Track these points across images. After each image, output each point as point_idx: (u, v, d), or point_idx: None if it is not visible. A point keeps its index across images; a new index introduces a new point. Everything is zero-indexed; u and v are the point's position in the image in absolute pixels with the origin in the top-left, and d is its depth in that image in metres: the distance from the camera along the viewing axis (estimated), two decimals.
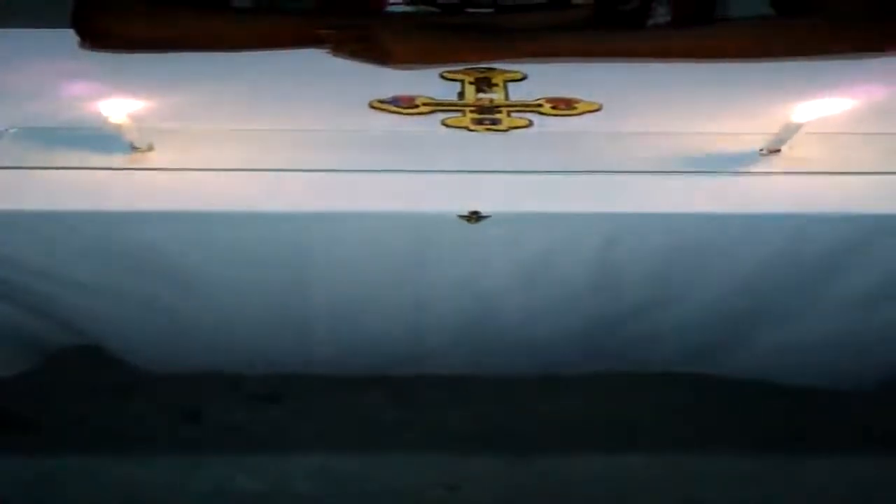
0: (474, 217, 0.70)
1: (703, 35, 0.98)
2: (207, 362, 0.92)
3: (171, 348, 0.89)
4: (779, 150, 0.76)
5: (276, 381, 1.21)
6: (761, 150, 0.77)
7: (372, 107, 0.85)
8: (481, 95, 0.87)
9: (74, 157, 0.75)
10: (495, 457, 1.14)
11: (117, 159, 0.74)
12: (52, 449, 1.13)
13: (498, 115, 0.83)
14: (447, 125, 0.82)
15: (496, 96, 0.87)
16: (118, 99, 0.73)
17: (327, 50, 0.97)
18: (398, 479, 1.11)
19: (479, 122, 0.82)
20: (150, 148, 0.76)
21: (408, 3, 1.03)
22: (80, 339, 0.87)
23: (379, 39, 0.95)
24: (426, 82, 0.90)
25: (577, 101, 0.86)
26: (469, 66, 0.93)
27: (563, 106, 0.85)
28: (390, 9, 1.04)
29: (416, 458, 1.14)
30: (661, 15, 1.05)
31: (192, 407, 1.18)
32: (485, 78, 0.91)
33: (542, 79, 0.91)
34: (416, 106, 0.85)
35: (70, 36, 0.99)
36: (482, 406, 1.18)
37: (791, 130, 0.75)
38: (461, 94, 0.88)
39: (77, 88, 0.84)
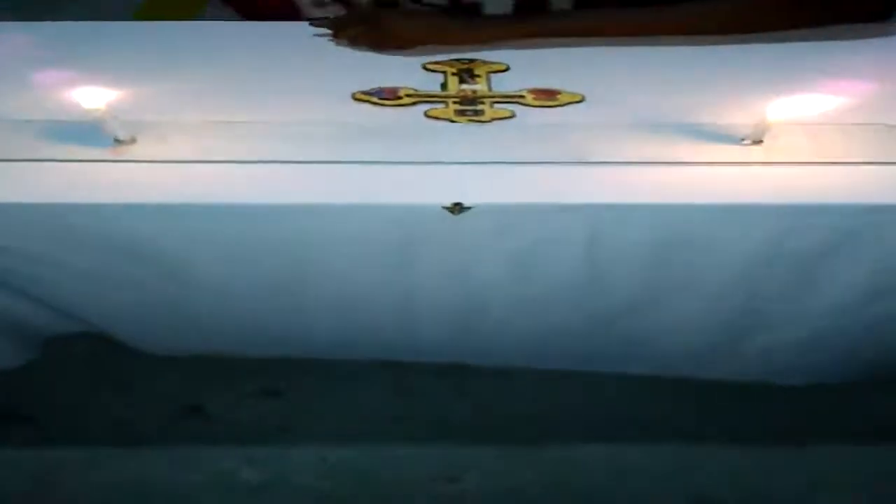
0: (458, 208, 0.70)
1: (689, 11, 0.94)
2: (206, 345, 0.93)
3: (168, 332, 0.89)
4: (761, 141, 0.77)
5: (277, 374, 1.21)
6: (743, 139, 0.77)
7: (355, 98, 0.85)
8: (464, 87, 0.87)
9: (57, 150, 0.75)
10: (496, 449, 1.14)
11: (100, 151, 0.74)
12: (53, 441, 1.13)
13: (481, 107, 0.83)
14: (430, 116, 0.82)
15: (479, 87, 0.87)
16: (96, 90, 0.73)
17: (329, 37, 0.96)
18: (399, 471, 1.12)
19: (462, 112, 0.82)
20: (133, 140, 0.76)
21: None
22: (75, 325, 0.88)
23: (383, 20, 0.94)
24: (409, 73, 0.90)
25: (559, 92, 0.86)
26: (454, 58, 0.93)
27: (546, 97, 0.85)
28: None
29: (417, 450, 1.14)
30: None
31: (193, 399, 1.18)
32: (467, 69, 0.91)
33: (524, 70, 0.90)
34: (399, 97, 0.85)
35: (55, 27, 0.99)
36: (483, 398, 1.19)
37: (772, 120, 0.75)
38: (444, 86, 0.88)
39: (57, 80, 0.84)
